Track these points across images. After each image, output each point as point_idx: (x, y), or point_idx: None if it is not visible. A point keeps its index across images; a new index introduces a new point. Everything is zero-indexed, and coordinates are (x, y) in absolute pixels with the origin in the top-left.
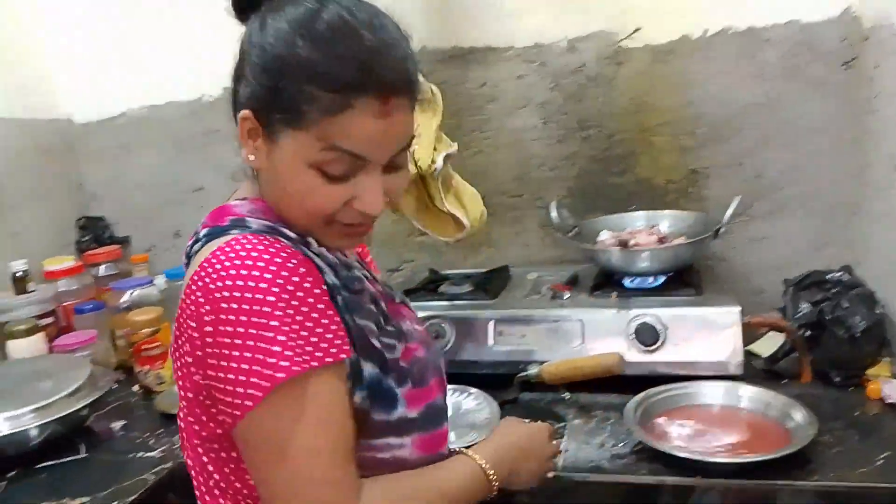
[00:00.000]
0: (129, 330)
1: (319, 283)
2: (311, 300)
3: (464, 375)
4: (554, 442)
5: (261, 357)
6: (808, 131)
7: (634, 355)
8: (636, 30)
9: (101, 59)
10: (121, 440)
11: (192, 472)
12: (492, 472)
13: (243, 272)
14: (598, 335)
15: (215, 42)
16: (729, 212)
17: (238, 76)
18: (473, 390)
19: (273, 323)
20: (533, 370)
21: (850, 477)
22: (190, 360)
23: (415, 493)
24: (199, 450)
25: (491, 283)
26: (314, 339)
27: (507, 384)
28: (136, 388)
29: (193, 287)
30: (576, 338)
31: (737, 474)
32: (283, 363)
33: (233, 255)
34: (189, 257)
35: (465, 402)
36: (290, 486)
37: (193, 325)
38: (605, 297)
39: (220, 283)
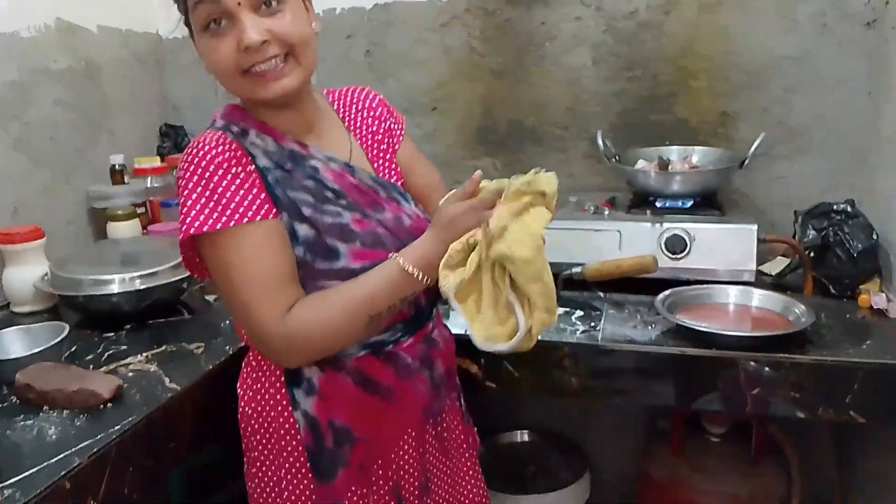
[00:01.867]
0: None
1: (244, 166)
2: (225, 182)
3: None
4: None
5: (183, 213)
6: (832, 84)
7: (663, 262)
8: None
9: None
10: (217, 308)
11: None
12: (410, 266)
13: (186, 159)
14: (633, 244)
15: None
16: (753, 146)
17: None
18: None
19: (193, 193)
20: (577, 269)
21: (840, 355)
22: None
23: (338, 299)
24: None
25: None
26: (220, 208)
27: None
28: None
29: None
30: (613, 246)
31: (748, 348)
32: (194, 222)
33: (192, 144)
34: None
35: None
36: (233, 305)
37: None
38: (640, 213)
39: (179, 163)
